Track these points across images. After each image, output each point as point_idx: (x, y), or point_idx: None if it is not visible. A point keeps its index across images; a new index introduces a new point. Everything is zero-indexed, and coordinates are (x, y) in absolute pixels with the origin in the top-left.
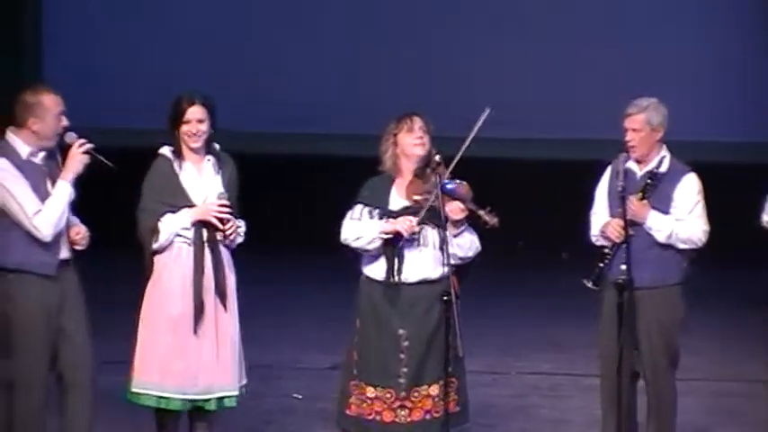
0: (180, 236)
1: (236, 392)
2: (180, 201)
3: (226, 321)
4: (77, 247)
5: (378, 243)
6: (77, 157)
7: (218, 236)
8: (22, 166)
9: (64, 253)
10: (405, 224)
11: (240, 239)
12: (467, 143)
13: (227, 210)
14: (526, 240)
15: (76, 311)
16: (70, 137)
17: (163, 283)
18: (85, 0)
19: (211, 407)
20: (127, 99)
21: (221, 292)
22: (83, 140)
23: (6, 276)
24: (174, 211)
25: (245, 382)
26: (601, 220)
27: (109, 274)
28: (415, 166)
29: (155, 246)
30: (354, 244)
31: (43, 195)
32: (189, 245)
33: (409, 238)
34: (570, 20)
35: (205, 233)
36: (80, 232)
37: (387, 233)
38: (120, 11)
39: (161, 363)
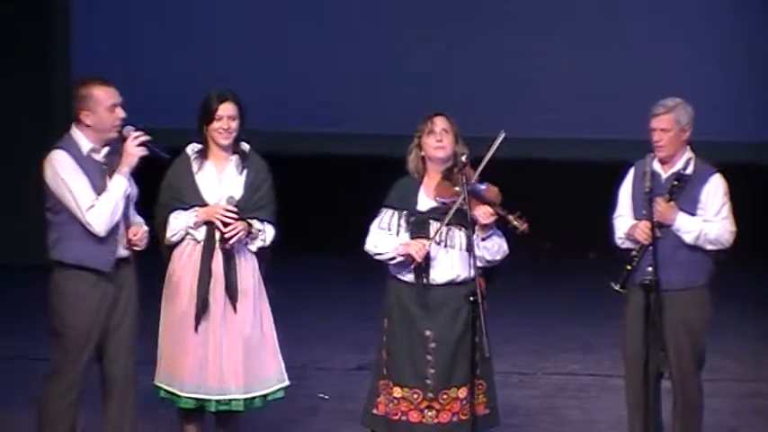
0: (190, 234)
1: (241, 396)
2: (192, 199)
3: (236, 324)
4: (135, 248)
5: (396, 261)
6: (132, 150)
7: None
8: (82, 161)
9: (121, 251)
10: (417, 247)
11: (261, 243)
12: (482, 165)
13: (233, 215)
14: (553, 241)
15: (128, 311)
16: (126, 130)
17: (174, 281)
18: (115, 2)
19: (211, 408)
20: (155, 99)
21: (232, 294)
22: (138, 133)
23: (63, 272)
24: (185, 209)
25: (278, 386)
26: (625, 223)
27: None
28: (440, 167)
29: (164, 241)
30: (376, 257)
31: (101, 192)
32: (200, 243)
33: (420, 261)
34: (594, 20)
35: (217, 233)
36: (137, 233)
37: (401, 255)
38: (150, 12)
39: (172, 359)
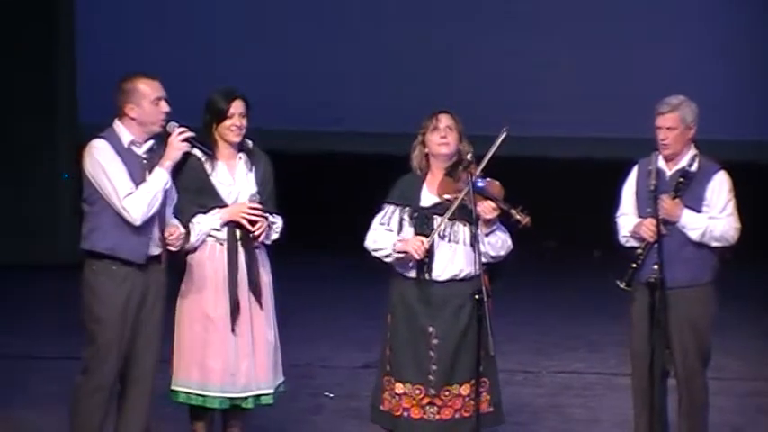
0: (212, 235)
1: (271, 390)
2: (211, 201)
3: (261, 319)
4: (171, 248)
5: (393, 258)
6: (176, 145)
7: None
8: (122, 152)
9: (154, 249)
10: (415, 245)
11: (276, 236)
12: (485, 161)
13: (258, 212)
14: (557, 239)
15: (156, 308)
16: (171, 126)
17: (196, 282)
18: (115, 2)
19: (249, 405)
20: None
21: (256, 291)
22: (182, 129)
23: (92, 266)
24: (204, 212)
25: (282, 379)
26: (629, 221)
27: None
28: (444, 165)
29: (186, 246)
30: (374, 254)
31: (139, 185)
32: (222, 244)
33: (420, 259)
34: (594, 21)
35: (238, 232)
36: (174, 232)
37: (399, 252)
38: (151, 12)
39: (199, 361)
